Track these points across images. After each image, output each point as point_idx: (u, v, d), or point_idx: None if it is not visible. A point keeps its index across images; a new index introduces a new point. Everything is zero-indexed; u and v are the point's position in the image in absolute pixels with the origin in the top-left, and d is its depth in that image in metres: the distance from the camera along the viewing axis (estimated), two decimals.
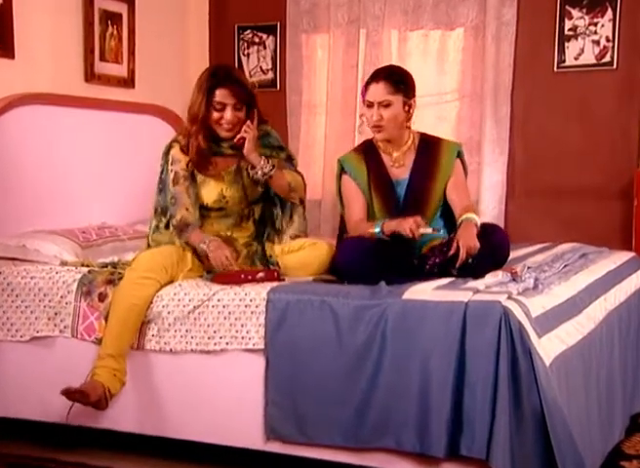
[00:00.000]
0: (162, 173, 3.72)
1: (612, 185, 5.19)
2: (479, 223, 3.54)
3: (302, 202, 3.86)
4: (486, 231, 3.53)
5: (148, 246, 3.71)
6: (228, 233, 3.72)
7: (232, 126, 3.65)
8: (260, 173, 3.65)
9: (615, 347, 3.66)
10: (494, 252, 3.49)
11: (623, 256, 4.23)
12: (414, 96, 3.78)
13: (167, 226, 3.67)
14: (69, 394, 3.32)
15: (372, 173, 3.81)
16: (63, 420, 3.47)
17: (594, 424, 3.29)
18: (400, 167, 3.80)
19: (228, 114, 3.63)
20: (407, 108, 3.75)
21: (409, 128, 3.83)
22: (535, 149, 5.36)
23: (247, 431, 3.31)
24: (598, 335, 3.47)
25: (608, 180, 5.20)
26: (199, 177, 3.68)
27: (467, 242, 3.41)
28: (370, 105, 3.73)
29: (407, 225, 3.47)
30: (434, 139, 3.89)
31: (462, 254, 3.39)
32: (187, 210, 3.63)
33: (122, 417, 3.48)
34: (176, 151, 3.68)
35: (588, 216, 5.19)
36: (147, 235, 3.77)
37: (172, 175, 3.65)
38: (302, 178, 3.84)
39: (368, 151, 3.85)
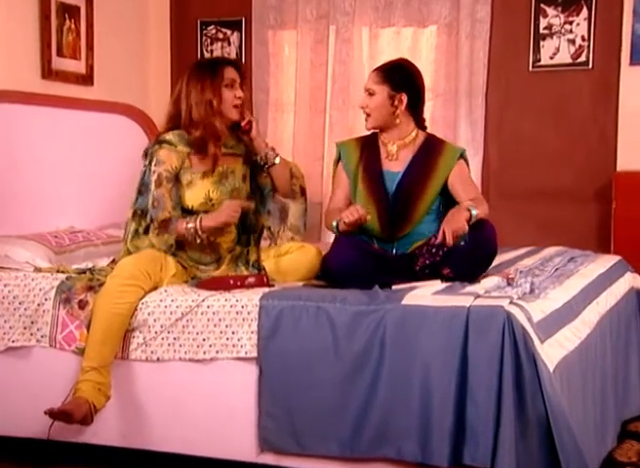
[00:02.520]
0: (144, 174, 3.70)
1: (589, 188, 5.31)
2: (475, 213, 3.53)
3: (304, 191, 3.94)
4: (473, 227, 3.55)
5: (128, 252, 3.68)
6: (211, 238, 3.72)
7: (241, 106, 3.73)
8: (270, 155, 3.78)
9: (607, 352, 3.74)
10: (479, 247, 3.52)
11: (610, 260, 4.33)
12: (405, 91, 3.82)
13: (146, 231, 3.64)
14: (53, 414, 3.28)
15: (363, 160, 3.90)
16: (42, 436, 3.43)
17: (591, 431, 3.36)
18: (393, 160, 3.87)
19: (239, 91, 3.72)
20: (393, 101, 3.81)
21: (395, 125, 3.87)
22: (510, 150, 5.47)
23: (239, 443, 3.32)
24: (593, 340, 3.54)
25: (585, 183, 5.31)
26: (185, 179, 3.68)
27: (452, 226, 3.43)
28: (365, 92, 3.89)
29: (351, 210, 3.60)
30: (439, 141, 3.96)
31: (449, 240, 3.41)
32: (169, 213, 3.63)
33: (106, 431, 3.46)
34: (162, 152, 3.66)
35: (565, 219, 5.31)
36: (124, 240, 3.74)
37: (155, 177, 3.64)
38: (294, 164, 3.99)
39: (368, 141, 3.95)
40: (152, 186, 3.63)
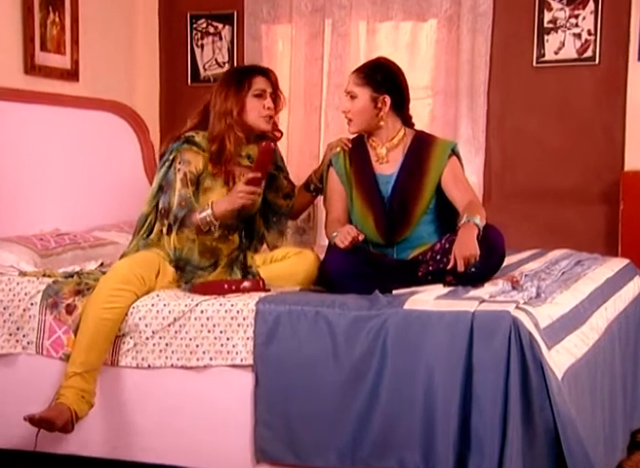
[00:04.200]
0: (168, 170, 3.70)
1: (595, 188, 5.34)
2: (481, 223, 3.55)
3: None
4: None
5: (137, 248, 3.71)
6: (213, 243, 3.73)
7: (271, 116, 3.78)
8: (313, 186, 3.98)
9: (616, 359, 3.75)
10: (486, 256, 3.51)
11: (619, 263, 4.35)
12: (388, 93, 3.80)
13: (168, 231, 3.65)
14: (34, 421, 3.28)
15: (354, 165, 3.90)
16: (29, 447, 3.43)
17: (600, 441, 3.37)
18: (384, 163, 3.87)
19: (269, 101, 3.75)
20: (376, 104, 3.80)
21: (379, 128, 3.86)
22: (513, 149, 5.49)
23: (234, 454, 3.32)
24: (602, 347, 3.55)
25: (591, 183, 5.34)
26: (205, 183, 3.71)
27: (464, 252, 3.43)
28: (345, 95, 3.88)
29: (344, 232, 3.59)
30: (428, 138, 3.95)
31: (460, 267, 3.44)
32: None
33: (95, 442, 3.46)
34: (189, 153, 3.69)
35: (570, 221, 5.33)
36: (135, 235, 3.76)
37: (180, 175, 3.65)
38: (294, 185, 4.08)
39: (355, 144, 3.94)
40: (178, 185, 3.64)
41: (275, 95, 3.83)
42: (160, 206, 3.70)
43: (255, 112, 3.74)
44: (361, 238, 3.60)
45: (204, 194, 3.71)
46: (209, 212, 3.60)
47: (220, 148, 3.68)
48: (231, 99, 3.70)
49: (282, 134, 3.97)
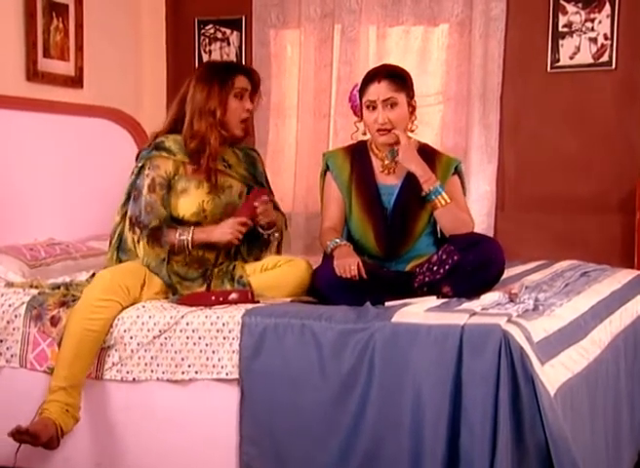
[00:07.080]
0: (137, 177, 3.71)
1: (611, 197, 5.27)
2: (442, 199, 3.64)
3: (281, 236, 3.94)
4: (474, 241, 3.55)
5: (118, 260, 3.72)
6: (200, 253, 3.72)
7: (247, 120, 3.75)
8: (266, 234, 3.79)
9: (621, 375, 3.70)
10: (484, 268, 3.50)
11: (628, 275, 4.29)
12: (414, 95, 3.81)
13: (138, 240, 3.65)
14: (17, 435, 3.27)
15: (355, 173, 3.85)
16: (9, 464, 3.42)
17: (602, 462, 3.33)
18: (389, 174, 3.83)
19: (248, 103, 3.73)
20: (410, 109, 3.78)
21: (411, 131, 3.85)
22: (527, 157, 5.45)
23: None
24: (604, 362, 3.50)
25: (607, 191, 5.28)
26: (179, 186, 3.70)
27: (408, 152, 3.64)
28: (370, 106, 3.74)
29: (346, 265, 3.48)
30: (433, 152, 3.92)
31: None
32: (160, 221, 3.66)
33: (77, 457, 3.45)
34: (158, 158, 3.69)
35: (585, 231, 5.27)
36: (111, 246, 3.76)
37: (148, 181, 3.66)
38: (283, 214, 3.97)
39: (357, 151, 3.90)
40: (144, 191, 3.66)
41: (253, 95, 3.79)
42: (129, 214, 3.70)
43: (234, 114, 3.71)
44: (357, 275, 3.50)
45: (180, 196, 3.70)
46: (188, 238, 3.61)
47: (201, 146, 3.66)
48: (214, 99, 3.67)
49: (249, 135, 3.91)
